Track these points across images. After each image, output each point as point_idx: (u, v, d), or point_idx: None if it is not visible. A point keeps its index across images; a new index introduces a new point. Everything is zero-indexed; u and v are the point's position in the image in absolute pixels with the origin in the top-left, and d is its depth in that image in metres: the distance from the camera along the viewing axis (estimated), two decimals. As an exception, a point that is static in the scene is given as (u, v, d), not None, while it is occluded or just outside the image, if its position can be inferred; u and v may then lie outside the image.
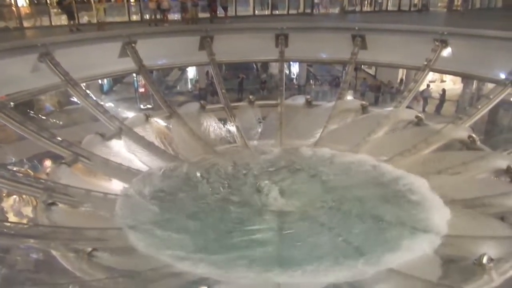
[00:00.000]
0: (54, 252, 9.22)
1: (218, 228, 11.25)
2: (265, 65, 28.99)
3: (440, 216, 11.24)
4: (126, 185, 13.21)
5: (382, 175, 14.05)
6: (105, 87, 25.60)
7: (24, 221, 12.91)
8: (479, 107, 15.16)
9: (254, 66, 30.44)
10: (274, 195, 12.59)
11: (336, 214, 11.86)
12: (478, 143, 14.27)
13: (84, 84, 16.65)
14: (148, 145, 15.22)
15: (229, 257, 9.86)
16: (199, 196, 12.95)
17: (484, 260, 8.54)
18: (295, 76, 28.83)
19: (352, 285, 8.39)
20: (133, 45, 17.84)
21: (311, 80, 28.28)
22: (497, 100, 14.93)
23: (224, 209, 12.20)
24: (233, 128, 17.46)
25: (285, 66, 22.26)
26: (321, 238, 10.73)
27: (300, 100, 18.81)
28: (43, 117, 19.31)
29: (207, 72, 24.55)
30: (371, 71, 29.35)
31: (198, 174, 14.29)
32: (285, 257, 9.92)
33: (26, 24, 20.16)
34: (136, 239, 10.55)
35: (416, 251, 9.89)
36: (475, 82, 22.07)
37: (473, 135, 14.35)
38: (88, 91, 16.36)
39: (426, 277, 8.68)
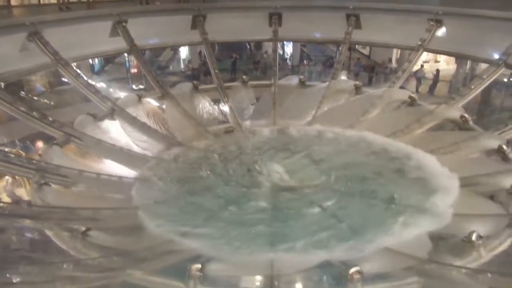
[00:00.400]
0: (48, 232, 9.24)
1: (213, 207, 11.29)
2: (258, 44, 28.73)
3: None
4: (120, 165, 13.21)
5: (371, 145, 14.33)
6: (96, 67, 25.27)
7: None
8: (472, 87, 15.18)
9: (248, 45, 30.16)
10: (275, 173, 12.65)
11: (333, 191, 11.87)
12: (471, 123, 14.32)
13: (75, 64, 16.38)
14: (141, 126, 15.11)
15: (225, 234, 9.94)
16: (199, 177, 12.93)
17: (473, 237, 8.70)
18: (288, 56, 28.67)
19: (345, 263, 8.49)
20: (124, 24, 17.50)
21: (304, 60, 28.13)
22: (490, 80, 14.97)
23: (222, 189, 12.23)
24: (226, 109, 17.38)
25: (279, 46, 22.02)
26: (316, 215, 10.81)
27: (294, 80, 18.69)
28: (34, 98, 19.07)
29: (200, 52, 24.30)
30: (365, 51, 29.20)
31: (195, 157, 14.26)
32: (281, 235, 9.98)
33: (13, 2, 19.71)
34: (137, 218, 10.59)
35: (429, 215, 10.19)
36: (468, 63, 22.07)
37: (466, 115, 14.39)
38: (78, 71, 16.13)
39: (416, 254, 8.83)
